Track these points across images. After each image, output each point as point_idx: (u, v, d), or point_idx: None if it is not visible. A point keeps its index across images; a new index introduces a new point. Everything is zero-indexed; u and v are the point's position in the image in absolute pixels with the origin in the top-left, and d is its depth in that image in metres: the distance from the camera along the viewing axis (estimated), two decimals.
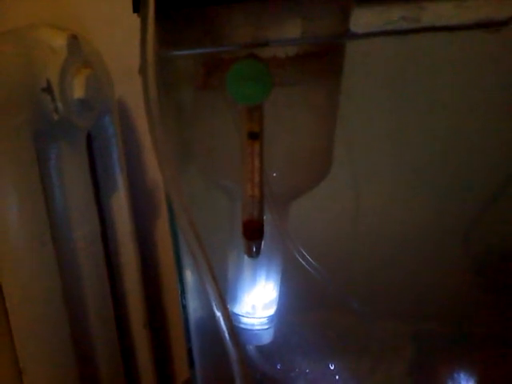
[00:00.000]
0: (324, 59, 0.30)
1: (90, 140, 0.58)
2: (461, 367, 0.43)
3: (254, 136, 0.29)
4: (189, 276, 0.36)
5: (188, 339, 0.37)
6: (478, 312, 0.43)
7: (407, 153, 0.40)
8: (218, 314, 0.26)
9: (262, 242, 0.31)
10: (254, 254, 0.32)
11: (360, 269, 0.43)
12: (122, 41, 0.61)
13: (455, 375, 0.43)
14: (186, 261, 0.36)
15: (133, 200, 0.62)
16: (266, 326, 0.38)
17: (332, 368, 0.42)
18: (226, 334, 0.26)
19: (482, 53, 0.35)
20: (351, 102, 0.35)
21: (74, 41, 0.48)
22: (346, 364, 0.43)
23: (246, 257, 0.36)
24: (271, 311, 0.38)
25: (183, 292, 0.36)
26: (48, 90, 0.47)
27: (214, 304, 0.26)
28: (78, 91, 0.48)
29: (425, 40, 0.31)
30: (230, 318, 0.26)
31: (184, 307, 0.36)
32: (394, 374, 0.43)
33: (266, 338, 0.38)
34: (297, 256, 0.36)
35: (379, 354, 0.44)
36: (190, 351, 0.38)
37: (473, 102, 0.38)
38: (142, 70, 0.26)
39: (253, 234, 0.31)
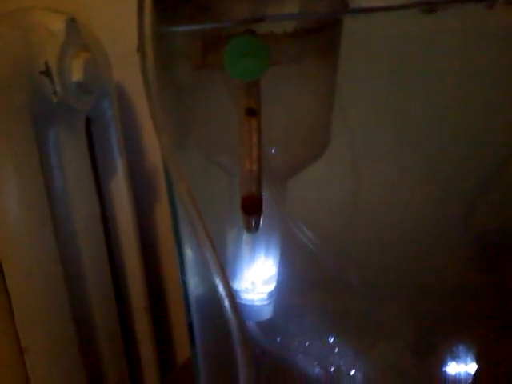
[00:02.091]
0: (322, 35, 0.30)
1: (89, 124, 0.59)
2: (461, 344, 0.44)
3: (252, 112, 0.29)
4: (189, 252, 0.37)
5: (188, 315, 0.38)
6: (478, 292, 0.43)
7: (408, 133, 0.41)
8: (217, 280, 0.26)
9: (261, 217, 0.32)
10: (253, 229, 0.32)
11: (359, 249, 0.43)
12: (119, 25, 0.61)
13: (455, 352, 0.44)
14: (186, 237, 0.36)
15: (132, 183, 0.63)
16: (266, 302, 0.38)
17: (331, 341, 0.43)
18: (226, 302, 0.26)
19: (485, 29, 0.35)
20: (350, 80, 0.35)
21: (72, 24, 0.49)
22: (346, 340, 0.43)
23: (245, 233, 0.36)
24: (271, 287, 0.38)
25: (183, 268, 0.37)
26: (46, 72, 0.47)
27: (212, 270, 0.26)
28: (76, 74, 0.49)
29: (425, 16, 0.31)
30: (230, 285, 0.27)
31: (184, 283, 0.37)
32: (394, 350, 0.44)
33: (266, 314, 0.39)
34: (295, 230, 0.36)
35: (379, 331, 0.44)
36: (190, 327, 0.38)
37: (476, 84, 0.38)
38: (140, 45, 0.27)
39: (252, 208, 0.31)
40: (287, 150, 0.34)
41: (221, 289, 0.26)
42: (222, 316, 0.32)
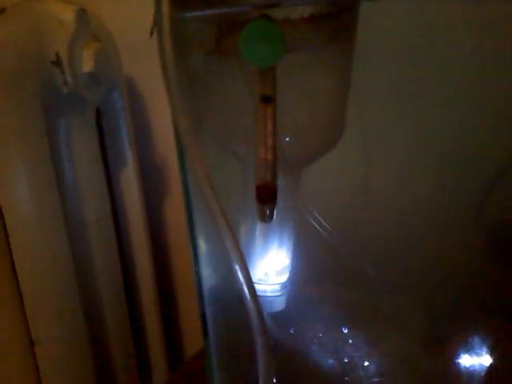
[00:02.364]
0: (339, 21, 0.30)
1: (99, 116, 0.58)
2: (473, 336, 0.43)
3: (267, 99, 0.29)
4: (202, 243, 0.36)
5: (202, 305, 0.38)
6: (490, 284, 0.43)
7: (422, 124, 0.40)
8: (235, 265, 0.26)
9: (275, 206, 0.32)
10: (267, 218, 0.32)
11: (371, 240, 0.43)
12: (129, 17, 0.61)
13: (468, 344, 0.43)
14: (200, 226, 0.36)
15: (142, 175, 0.63)
16: (279, 293, 0.38)
17: (345, 332, 0.43)
18: (244, 288, 0.26)
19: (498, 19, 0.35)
20: (365, 68, 0.35)
21: (82, 14, 0.48)
22: (359, 331, 0.43)
23: (258, 223, 0.36)
24: (284, 278, 0.38)
25: (196, 259, 0.36)
26: (57, 63, 0.47)
27: (230, 253, 0.26)
28: (87, 64, 0.49)
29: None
30: (248, 271, 0.26)
31: (198, 273, 0.37)
32: (407, 342, 0.44)
33: (279, 305, 0.39)
34: (309, 219, 0.36)
35: (391, 323, 0.44)
36: (203, 317, 0.38)
37: (491, 76, 0.38)
38: (157, 24, 0.26)
39: (266, 197, 0.31)
40: (302, 138, 0.33)
41: (239, 274, 0.26)
42: (238, 304, 0.32)
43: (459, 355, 0.43)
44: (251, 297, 0.26)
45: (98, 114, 0.58)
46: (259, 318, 0.27)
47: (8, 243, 0.48)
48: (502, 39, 0.36)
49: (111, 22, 0.56)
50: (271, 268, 0.37)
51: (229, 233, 0.27)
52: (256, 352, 0.27)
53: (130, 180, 0.61)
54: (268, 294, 0.38)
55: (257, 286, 0.37)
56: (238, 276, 0.26)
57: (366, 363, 0.41)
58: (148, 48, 0.58)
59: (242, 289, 0.26)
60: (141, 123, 0.66)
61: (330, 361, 0.42)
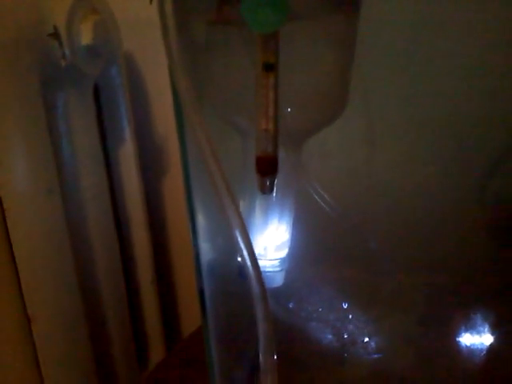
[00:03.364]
0: None
1: (97, 93, 0.58)
2: (472, 317, 0.43)
3: (270, 67, 0.28)
4: (201, 217, 0.36)
5: (200, 280, 0.37)
6: (491, 266, 0.43)
7: (426, 103, 0.40)
8: (236, 232, 0.26)
9: (276, 179, 0.31)
10: (267, 191, 0.31)
11: (373, 218, 0.43)
12: None
13: (467, 324, 0.43)
14: (199, 201, 0.35)
15: (140, 152, 0.62)
16: (278, 269, 0.38)
17: (345, 308, 0.42)
18: (245, 253, 0.26)
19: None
20: (368, 46, 0.34)
21: None
22: (358, 308, 0.43)
23: (258, 197, 0.36)
24: (283, 253, 0.38)
25: (195, 234, 0.36)
26: (55, 35, 0.46)
27: (231, 220, 0.26)
28: (85, 37, 0.48)
29: None
30: (249, 238, 0.26)
31: (195, 248, 0.36)
32: (406, 322, 0.44)
33: (278, 281, 0.38)
34: (311, 191, 0.35)
35: (391, 302, 0.44)
36: (201, 293, 0.38)
37: (494, 65, 0.37)
38: None
39: (267, 168, 0.30)
40: (304, 109, 0.33)
41: (240, 240, 0.25)
42: (237, 278, 0.31)
43: (459, 334, 0.43)
44: (252, 264, 0.26)
45: (97, 90, 0.57)
46: (260, 285, 0.27)
47: (4, 218, 0.47)
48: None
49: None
50: (271, 243, 0.37)
51: (229, 198, 0.26)
52: (256, 320, 0.27)
53: (127, 156, 0.61)
54: (267, 270, 0.37)
55: None
56: (238, 242, 0.26)
57: (366, 339, 0.41)
58: (148, 26, 0.58)
59: (243, 255, 0.26)
60: (140, 101, 0.65)
61: (329, 336, 0.41)
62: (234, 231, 0.26)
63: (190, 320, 0.78)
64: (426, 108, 0.40)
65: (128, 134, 0.60)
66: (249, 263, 0.26)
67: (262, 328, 0.27)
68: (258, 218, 0.36)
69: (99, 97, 0.58)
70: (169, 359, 0.69)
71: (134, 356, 0.67)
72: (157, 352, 0.71)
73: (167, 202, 0.71)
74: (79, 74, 0.50)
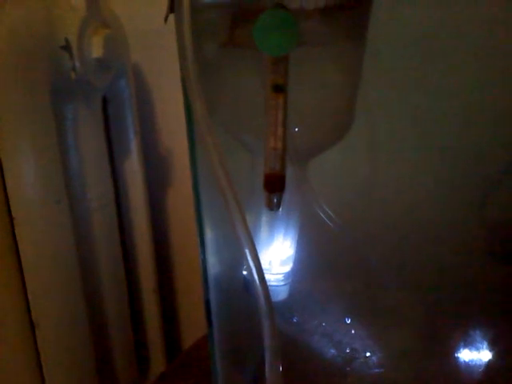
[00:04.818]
0: (353, 14, 0.30)
1: (105, 105, 0.59)
2: (472, 333, 0.44)
3: (279, 89, 0.29)
4: (209, 231, 0.37)
5: (206, 292, 0.38)
6: (491, 282, 0.43)
7: (427, 118, 0.40)
8: (245, 248, 0.26)
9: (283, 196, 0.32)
10: (274, 207, 0.32)
11: (374, 234, 0.43)
12: (137, 6, 0.61)
13: (467, 340, 0.44)
14: (207, 215, 0.36)
15: (146, 164, 0.63)
16: (282, 283, 0.38)
17: (348, 323, 0.43)
18: (253, 270, 0.26)
19: None
20: (374, 62, 0.35)
21: (93, 0, 0.48)
22: (360, 323, 0.43)
23: (265, 212, 0.36)
24: (287, 268, 0.38)
25: (203, 247, 0.37)
26: (66, 48, 0.47)
27: (241, 237, 0.26)
28: (95, 50, 0.49)
29: None
30: (257, 255, 0.27)
31: (203, 261, 0.37)
32: (406, 336, 0.44)
33: (282, 295, 0.39)
34: (316, 209, 0.36)
35: (391, 318, 0.44)
36: (207, 304, 0.38)
37: (499, 69, 0.38)
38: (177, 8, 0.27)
39: (274, 186, 0.31)
40: (311, 129, 0.34)
41: (248, 258, 0.26)
42: (243, 292, 0.32)
43: (458, 351, 0.43)
44: (259, 280, 0.27)
45: (105, 102, 0.58)
46: (267, 301, 0.27)
47: (12, 226, 0.48)
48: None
49: (121, 11, 0.56)
50: (276, 257, 0.38)
51: (240, 217, 0.27)
52: (263, 336, 0.28)
53: (133, 168, 0.61)
54: (272, 284, 0.38)
55: None
56: (248, 260, 0.26)
57: (368, 354, 0.42)
58: (156, 38, 0.58)
59: (252, 272, 0.26)
60: (147, 114, 0.66)
61: (332, 351, 0.42)
62: (243, 248, 0.27)
63: (191, 329, 0.78)
64: (428, 125, 0.41)
65: (134, 145, 0.60)
66: (257, 280, 0.27)
67: (268, 344, 0.28)
68: (264, 233, 0.37)
69: (106, 108, 0.59)
70: (169, 370, 0.69)
71: (135, 364, 0.68)
72: (157, 360, 0.72)
73: (171, 213, 0.72)
74: (89, 87, 0.51)
